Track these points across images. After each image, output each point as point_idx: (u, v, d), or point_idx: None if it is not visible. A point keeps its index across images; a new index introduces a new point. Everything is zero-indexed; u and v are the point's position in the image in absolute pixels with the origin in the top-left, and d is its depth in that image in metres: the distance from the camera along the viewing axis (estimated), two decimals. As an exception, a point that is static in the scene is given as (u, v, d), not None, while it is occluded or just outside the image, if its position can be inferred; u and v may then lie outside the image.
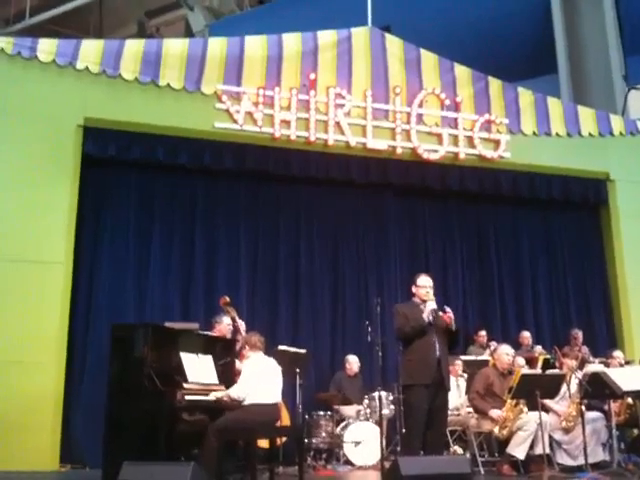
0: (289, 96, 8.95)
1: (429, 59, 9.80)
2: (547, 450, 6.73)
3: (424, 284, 6.43)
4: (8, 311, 7.49)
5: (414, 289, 6.49)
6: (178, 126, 8.57)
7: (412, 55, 9.73)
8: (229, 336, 7.18)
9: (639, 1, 13.23)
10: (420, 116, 9.46)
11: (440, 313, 6.28)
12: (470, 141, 9.58)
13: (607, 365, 8.19)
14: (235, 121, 8.72)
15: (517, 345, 8.98)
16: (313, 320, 9.19)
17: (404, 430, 6.71)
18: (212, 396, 5.98)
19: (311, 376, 8.53)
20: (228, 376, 6.49)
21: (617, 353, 8.55)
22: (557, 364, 7.76)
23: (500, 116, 9.78)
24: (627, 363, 8.42)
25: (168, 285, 8.67)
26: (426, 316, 6.22)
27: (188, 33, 17.77)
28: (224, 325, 7.21)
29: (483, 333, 9.44)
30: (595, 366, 7.92)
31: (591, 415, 7.29)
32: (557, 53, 13.82)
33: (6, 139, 7.94)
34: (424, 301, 6.33)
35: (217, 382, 6.27)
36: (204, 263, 8.90)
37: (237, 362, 6.88)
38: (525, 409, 6.80)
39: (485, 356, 8.82)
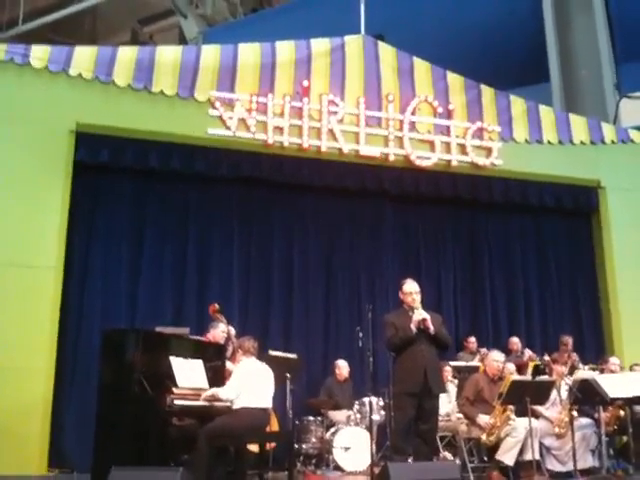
0: (282, 103, 8.98)
1: (422, 67, 9.85)
2: (537, 456, 6.74)
3: (410, 290, 6.43)
4: (-2, 315, 7.48)
5: (401, 296, 6.50)
6: (171, 132, 8.58)
7: (405, 63, 9.78)
8: (222, 342, 7.19)
9: (630, 10, 13.31)
10: (413, 123, 9.49)
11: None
12: (462, 148, 9.61)
13: (602, 371, 8.21)
14: (228, 128, 8.74)
15: (507, 351, 8.99)
16: (305, 326, 9.21)
17: (392, 437, 6.77)
18: (202, 398, 6.00)
19: (302, 381, 8.53)
20: (218, 381, 6.50)
21: (613, 359, 8.57)
22: (547, 370, 7.80)
23: (492, 124, 9.82)
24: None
25: (160, 291, 8.67)
26: (414, 326, 6.24)
27: (182, 41, 17.85)
28: (218, 331, 7.22)
29: (473, 339, 9.47)
30: (585, 372, 7.94)
31: (581, 421, 7.31)
32: (549, 62, 13.90)
33: (-1, 144, 7.95)
34: (412, 307, 6.35)
35: (207, 387, 6.27)
36: (196, 269, 8.91)
37: (229, 365, 6.90)
38: (513, 416, 6.80)
39: (475, 362, 8.84)
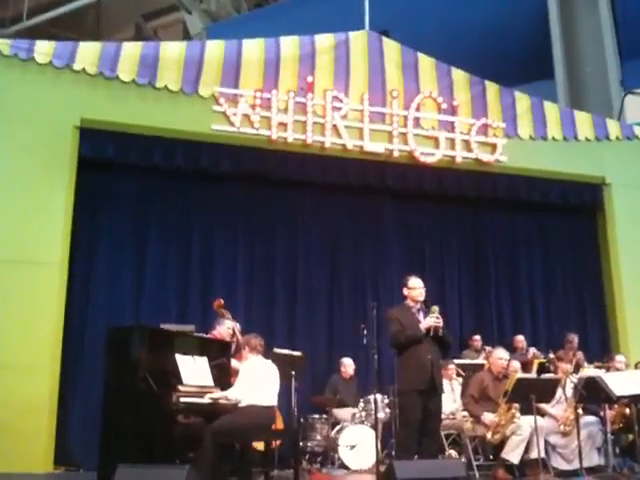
0: (286, 99, 8.93)
1: (426, 63, 9.80)
2: (542, 454, 6.73)
3: (416, 285, 6.42)
4: (2, 313, 7.43)
5: (405, 291, 6.47)
6: (175, 128, 8.54)
7: (409, 59, 9.73)
8: (228, 339, 7.18)
9: (635, 7, 13.28)
10: (417, 119, 9.45)
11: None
12: (467, 145, 9.57)
13: (607, 369, 8.19)
14: (232, 123, 8.70)
15: (512, 349, 8.98)
16: (309, 323, 9.21)
17: (399, 434, 6.75)
18: (207, 398, 5.98)
19: (307, 379, 8.49)
20: (223, 378, 6.49)
21: (619, 357, 8.55)
22: (552, 368, 7.77)
23: (497, 120, 9.77)
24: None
25: (164, 287, 8.67)
26: (424, 328, 6.22)
27: (186, 36, 17.85)
28: (224, 328, 7.23)
29: (477, 337, 9.44)
30: (591, 370, 7.93)
31: (587, 419, 7.30)
32: (554, 58, 13.88)
33: (2, 140, 7.90)
34: (417, 302, 6.34)
35: (212, 384, 6.26)
36: (201, 265, 8.90)
37: (235, 362, 6.88)
38: (518, 414, 6.79)
39: (480, 360, 8.82)
